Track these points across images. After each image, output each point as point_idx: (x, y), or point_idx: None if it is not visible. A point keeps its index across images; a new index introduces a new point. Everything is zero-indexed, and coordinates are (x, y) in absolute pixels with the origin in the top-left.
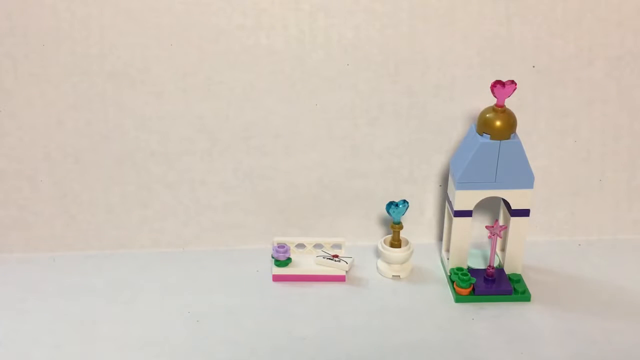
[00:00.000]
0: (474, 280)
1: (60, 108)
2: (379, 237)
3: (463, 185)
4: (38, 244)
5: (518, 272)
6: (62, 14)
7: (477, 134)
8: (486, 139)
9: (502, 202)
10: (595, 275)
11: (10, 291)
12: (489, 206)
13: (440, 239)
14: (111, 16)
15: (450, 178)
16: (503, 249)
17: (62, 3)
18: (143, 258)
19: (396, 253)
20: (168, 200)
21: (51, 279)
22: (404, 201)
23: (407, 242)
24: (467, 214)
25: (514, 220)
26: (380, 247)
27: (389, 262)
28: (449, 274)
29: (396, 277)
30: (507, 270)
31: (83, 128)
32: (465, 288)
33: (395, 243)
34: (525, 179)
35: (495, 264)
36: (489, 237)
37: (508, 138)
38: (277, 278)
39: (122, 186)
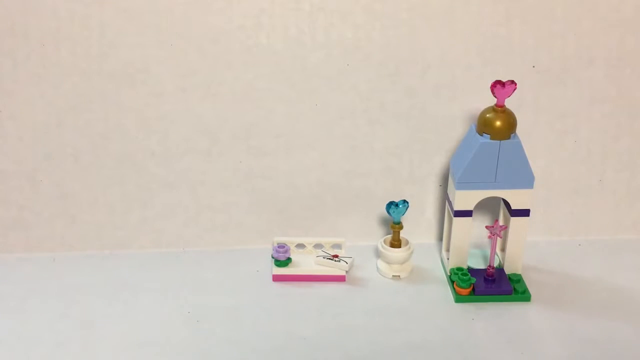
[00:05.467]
0: (474, 280)
1: (60, 108)
2: (379, 237)
3: (463, 185)
4: (38, 244)
5: (518, 272)
6: (62, 14)
7: (477, 134)
8: (486, 139)
9: (502, 202)
10: (595, 275)
11: (10, 291)
12: (489, 206)
13: (440, 239)
14: (111, 16)
15: (450, 178)
16: (503, 249)
17: (62, 3)
18: (143, 258)
19: (396, 253)
20: (168, 200)
21: (51, 279)
22: (404, 201)
23: (407, 242)
24: (467, 214)
25: (514, 220)
26: (380, 247)
27: (389, 262)
28: (449, 274)
29: (396, 277)
30: (507, 270)
31: (83, 128)
32: (465, 288)
33: (395, 243)
34: (525, 179)
35: (495, 264)
36: (489, 237)
37: (508, 138)
38: (277, 278)
39: (122, 186)
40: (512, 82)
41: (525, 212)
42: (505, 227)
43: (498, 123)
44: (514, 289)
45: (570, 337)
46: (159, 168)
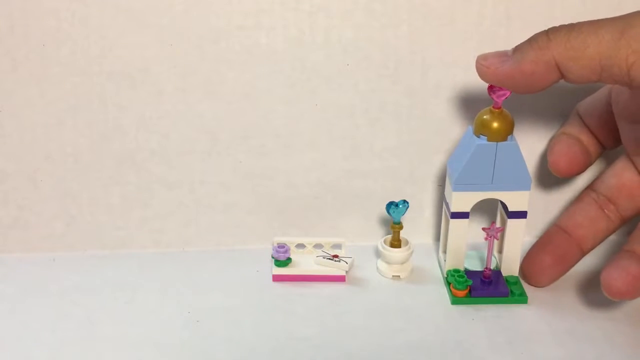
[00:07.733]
0: (470, 282)
1: (60, 108)
2: (379, 237)
3: (460, 186)
4: (38, 244)
5: (515, 274)
6: (62, 14)
7: (474, 136)
8: (483, 140)
9: (499, 203)
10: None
11: (10, 291)
12: (486, 208)
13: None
14: (111, 16)
15: (447, 179)
16: (500, 251)
17: (62, 3)
18: (143, 258)
19: (396, 253)
20: (168, 200)
21: (51, 279)
22: (404, 201)
23: (407, 242)
24: (464, 215)
25: (511, 222)
26: (380, 247)
27: (389, 262)
28: (445, 275)
29: (396, 277)
30: (504, 272)
31: (83, 128)
32: (461, 290)
33: (395, 243)
34: (522, 181)
35: (493, 266)
36: (486, 239)
37: (505, 140)
38: (277, 278)
39: (122, 186)
40: None
41: (522, 214)
42: (502, 229)
43: (495, 125)
44: (511, 291)
45: (569, 337)
46: (159, 168)
